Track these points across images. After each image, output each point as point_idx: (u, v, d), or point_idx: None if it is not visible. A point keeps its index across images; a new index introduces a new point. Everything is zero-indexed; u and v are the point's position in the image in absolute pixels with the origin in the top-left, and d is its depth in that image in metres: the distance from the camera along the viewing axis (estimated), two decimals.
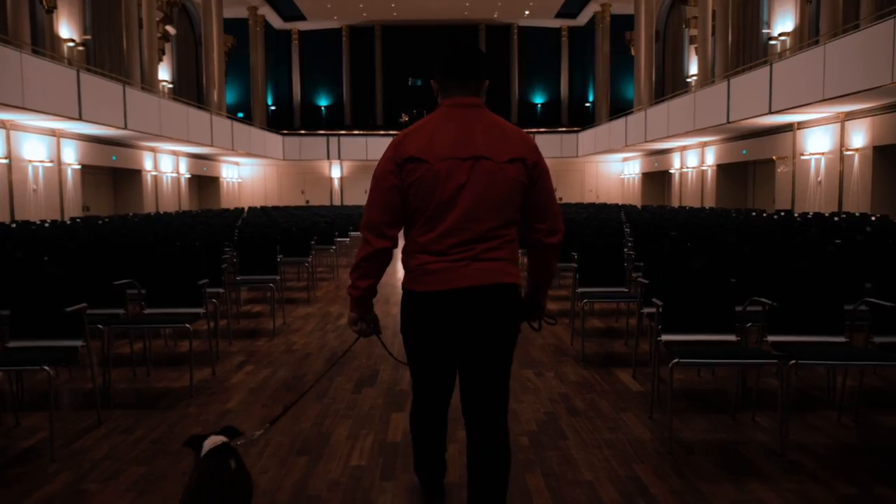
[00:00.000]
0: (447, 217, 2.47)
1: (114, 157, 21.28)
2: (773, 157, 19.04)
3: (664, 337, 4.12)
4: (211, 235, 9.08)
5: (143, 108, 19.50)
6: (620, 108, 33.12)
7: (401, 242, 2.64)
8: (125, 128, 18.20)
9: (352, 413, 4.41)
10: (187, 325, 4.80)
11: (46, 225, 12.45)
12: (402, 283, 2.64)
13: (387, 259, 2.57)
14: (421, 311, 2.56)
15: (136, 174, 23.30)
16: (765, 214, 15.07)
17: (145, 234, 9.42)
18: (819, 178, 17.02)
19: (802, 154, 17.63)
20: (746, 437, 3.92)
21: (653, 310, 4.93)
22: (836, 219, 12.45)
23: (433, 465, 3.01)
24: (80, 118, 15.97)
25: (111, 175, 23.47)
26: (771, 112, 15.93)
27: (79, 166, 19.02)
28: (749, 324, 4.37)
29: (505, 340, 2.55)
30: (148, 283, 5.27)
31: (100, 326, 4.70)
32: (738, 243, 6.16)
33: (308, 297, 9.50)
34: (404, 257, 2.62)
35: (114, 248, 6.38)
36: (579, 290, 6.14)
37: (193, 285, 5.18)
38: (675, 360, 3.70)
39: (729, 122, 18.00)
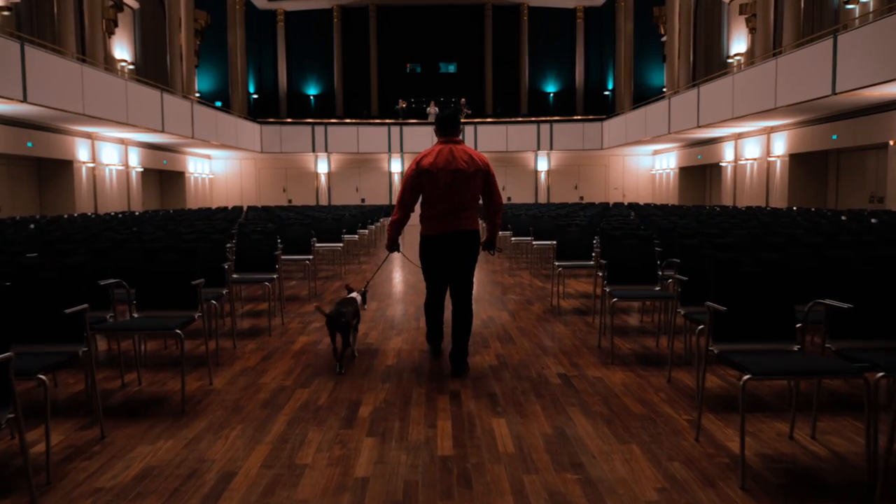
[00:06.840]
0: (443, 200, 5.27)
1: (29, 144, 16.66)
2: (890, 142, 14.43)
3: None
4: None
5: (54, 77, 14.76)
6: (644, 97, 28.42)
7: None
8: (24, 101, 13.56)
9: None
10: None
11: None
12: (421, 232, 5.43)
13: (405, 221, 5.55)
14: (431, 244, 5.41)
15: (65, 166, 18.66)
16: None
17: None
18: None
19: None
20: None
21: None
22: None
23: (437, 333, 5.86)
24: None
25: (35, 167, 18.85)
26: None
27: None
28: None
29: (471, 258, 5.41)
30: None
31: None
32: None
33: (208, 387, 4.85)
34: (422, 219, 5.42)
35: None
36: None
37: None
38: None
39: (835, 94, 13.39)
